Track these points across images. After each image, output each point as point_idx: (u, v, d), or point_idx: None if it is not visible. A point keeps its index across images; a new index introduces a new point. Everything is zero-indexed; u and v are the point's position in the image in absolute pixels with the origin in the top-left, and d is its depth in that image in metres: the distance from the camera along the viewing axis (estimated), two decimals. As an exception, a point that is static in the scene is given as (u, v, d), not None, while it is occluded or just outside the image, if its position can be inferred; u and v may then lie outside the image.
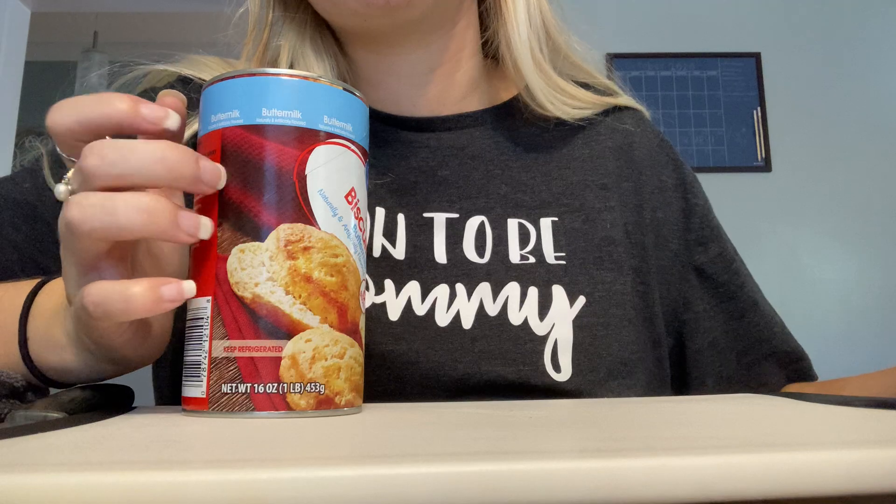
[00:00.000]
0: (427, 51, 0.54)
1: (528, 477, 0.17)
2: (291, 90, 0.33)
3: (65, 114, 0.31)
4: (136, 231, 0.29)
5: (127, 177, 0.29)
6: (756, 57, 2.25)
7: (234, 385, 0.31)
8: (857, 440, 0.21)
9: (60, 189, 0.31)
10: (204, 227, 0.31)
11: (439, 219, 0.52)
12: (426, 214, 0.52)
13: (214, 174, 0.31)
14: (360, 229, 0.34)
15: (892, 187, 2.20)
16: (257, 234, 0.32)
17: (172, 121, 0.32)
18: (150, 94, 0.56)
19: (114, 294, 0.29)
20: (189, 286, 0.31)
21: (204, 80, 0.54)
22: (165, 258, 0.36)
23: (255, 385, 0.31)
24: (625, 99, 0.61)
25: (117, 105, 0.31)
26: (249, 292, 0.31)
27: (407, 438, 0.23)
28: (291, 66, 0.52)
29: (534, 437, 0.24)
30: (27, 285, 0.41)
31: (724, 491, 0.18)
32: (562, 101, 0.55)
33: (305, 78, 0.34)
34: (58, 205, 0.50)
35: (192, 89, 0.55)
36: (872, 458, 0.18)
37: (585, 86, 0.60)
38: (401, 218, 0.52)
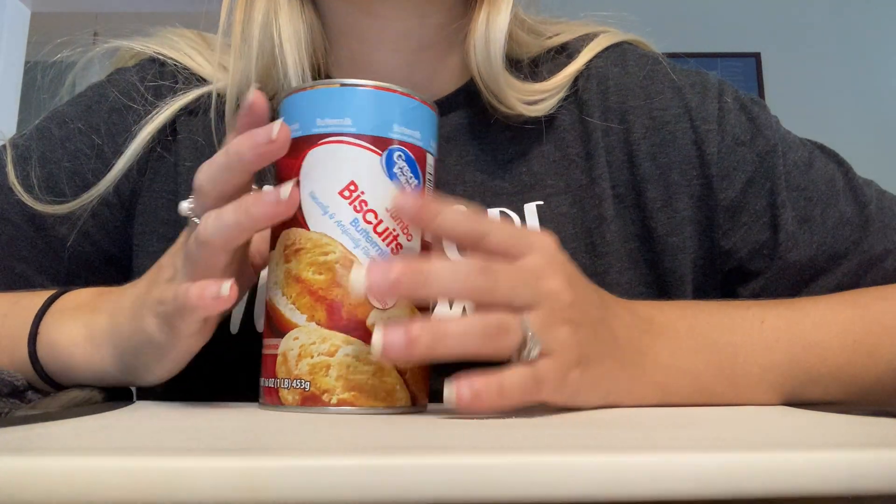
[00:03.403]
0: (422, 23, 0.49)
1: (531, 471, 0.17)
2: (291, 107, 0.35)
3: (205, 175, 0.34)
4: (265, 221, 0.32)
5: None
6: (756, 57, 2.25)
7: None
8: (858, 442, 0.21)
9: (185, 206, 0.34)
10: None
11: None
12: None
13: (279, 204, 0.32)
14: (367, 221, 0.33)
15: (893, 187, 2.20)
16: (273, 244, 0.35)
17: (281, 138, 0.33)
18: (121, 76, 0.53)
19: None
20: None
21: (176, 61, 0.52)
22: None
23: (262, 379, 0.34)
24: (601, 40, 0.53)
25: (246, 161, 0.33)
26: (268, 296, 0.35)
27: (407, 435, 0.23)
28: (265, 27, 0.47)
29: (536, 435, 0.24)
30: (49, 291, 0.42)
31: (725, 488, 0.18)
32: (527, 100, 0.49)
33: (302, 90, 0.35)
34: (24, 206, 0.48)
35: (165, 74, 0.52)
36: (873, 459, 0.18)
37: (561, 49, 0.53)
38: None
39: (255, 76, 0.47)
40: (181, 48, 0.52)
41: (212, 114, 0.49)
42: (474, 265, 0.31)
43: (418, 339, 0.29)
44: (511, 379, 0.30)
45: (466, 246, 0.33)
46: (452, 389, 0.29)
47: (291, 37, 0.46)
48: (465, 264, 0.31)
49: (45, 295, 0.42)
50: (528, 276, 0.32)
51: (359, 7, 0.48)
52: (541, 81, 0.50)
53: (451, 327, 0.29)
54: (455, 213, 0.32)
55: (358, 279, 0.29)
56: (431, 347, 0.29)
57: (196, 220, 0.33)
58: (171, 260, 0.35)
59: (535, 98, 0.49)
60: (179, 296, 0.32)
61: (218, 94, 0.49)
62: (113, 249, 0.51)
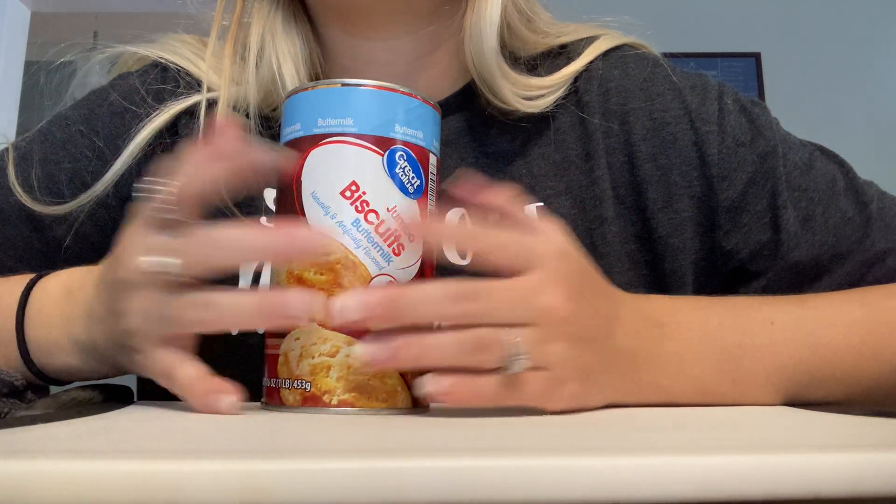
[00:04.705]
0: (414, 37, 0.49)
1: (532, 474, 0.17)
2: (293, 107, 0.35)
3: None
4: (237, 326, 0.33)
5: (227, 260, 0.32)
6: (756, 57, 2.25)
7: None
8: (858, 444, 0.21)
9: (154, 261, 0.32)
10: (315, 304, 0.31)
11: None
12: None
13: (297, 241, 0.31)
14: (369, 221, 0.33)
15: (893, 187, 2.20)
16: None
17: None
18: (124, 80, 0.54)
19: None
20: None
21: (178, 65, 0.52)
22: None
23: (265, 379, 0.34)
24: (602, 42, 0.53)
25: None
26: None
27: (408, 436, 0.23)
28: (261, 47, 0.48)
29: (537, 437, 0.24)
30: (17, 284, 0.41)
31: (725, 491, 0.18)
32: (525, 95, 0.48)
33: (303, 90, 0.35)
34: (23, 206, 0.48)
35: (167, 78, 0.52)
36: (873, 462, 0.18)
37: (561, 50, 0.53)
38: None
39: (254, 101, 0.48)
40: (183, 53, 0.53)
41: (218, 117, 0.49)
42: (457, 291, 0.31)
43: (400, 351, 0.30)
44: (485, 383, 0.31)
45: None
46: (425, 381, 0.31)
47: (288, 57, 0.48)
48: (446, 290, 0.31)
49: (16, 290, 0.40)
50: (523, 295, 0.32)
51: (347, 32, 0.49)
52: (539, 78, 0.50)
53: (431, 341, 0.31)
54: (451, 234, 0.33)
55: (341, 307, 0.30)
56: (413, 360, 0.31)
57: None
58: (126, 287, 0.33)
59: (533, 93, 0.49)
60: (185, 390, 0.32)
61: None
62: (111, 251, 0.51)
